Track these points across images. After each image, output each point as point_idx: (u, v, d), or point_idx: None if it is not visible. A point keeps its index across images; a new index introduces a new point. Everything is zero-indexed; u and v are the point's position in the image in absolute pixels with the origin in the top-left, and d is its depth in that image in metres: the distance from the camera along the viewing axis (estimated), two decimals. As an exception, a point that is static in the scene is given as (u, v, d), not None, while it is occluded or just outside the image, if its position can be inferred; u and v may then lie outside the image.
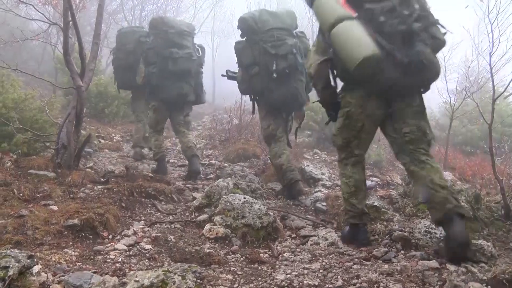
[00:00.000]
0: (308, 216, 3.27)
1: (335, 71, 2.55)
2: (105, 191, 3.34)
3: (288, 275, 2.11)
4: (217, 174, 4.75)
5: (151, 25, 4.63)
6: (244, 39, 3.88)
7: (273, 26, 3.74)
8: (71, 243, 2.42)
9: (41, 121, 4.35)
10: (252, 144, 5.85)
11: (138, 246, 2.47)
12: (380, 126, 2.60)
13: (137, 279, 1.73)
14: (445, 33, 2.43)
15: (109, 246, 2.45)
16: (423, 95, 2.52)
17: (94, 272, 2.02)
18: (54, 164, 3.71)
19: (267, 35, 3.69)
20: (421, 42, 2.27)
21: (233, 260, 2.38)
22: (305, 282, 2.02)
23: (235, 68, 4.19)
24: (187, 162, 5.45)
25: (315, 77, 2.56)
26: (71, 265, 2.12)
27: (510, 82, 3.36)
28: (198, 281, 1.82)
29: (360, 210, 2.58)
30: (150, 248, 2.46)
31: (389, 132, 2.54)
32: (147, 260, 2.28)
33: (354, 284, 1.99)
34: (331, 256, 2.44)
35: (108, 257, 2.30)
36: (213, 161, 5.51)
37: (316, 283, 2.02)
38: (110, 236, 2.62)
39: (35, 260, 1.91)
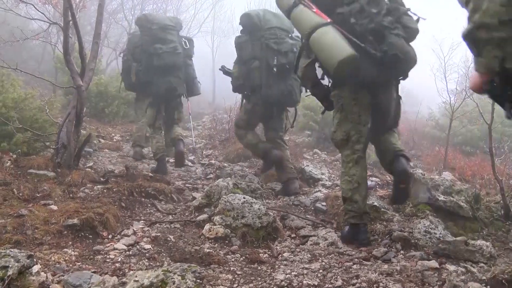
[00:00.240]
0: (308, 216, 3.27)
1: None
2: (105, 190, 3.34)
3: (287, 275, 2.11)
4: (217, 174, 4.74)
5: (137, 23, 4.74)
6: (244, 34, 3.98)
7: (275, 25, 3.87)
8: (70, 242, 2.42)
9: (41, 121, 4.35)
10: (251, 144, 5.83)
11: (137, 246, 2.47)
12: None
13: (136, 279, 1.73)
14: (417, 20, 2.57)
15: (108, 246, 2.45)
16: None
17: (94, 272, 2.02)
18: (54, 163, 3.71)
19: (269, 32, 3.84)
20: (393, 35, 2.40)
21: (233, 260, 2.38)
22: (304, 282, 2.02)
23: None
24: (187, 161, 5.47)
25: (303, 79, 2.83)
26: (71, 265, 2.12)
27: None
28: (198, 281, 1.82)
29: (362, 208, 2.58)
30: (150, 248, 2.46)
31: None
32: (146, 260, 2.28)
33: (353, 284, 1.99)
34: (330, 256, 2.45)
35: (107, 257, 2.30)
36: (213, 161, 5.51)
37: (316, 283, 2.02)
38: (110, 236, 2.62)
39: (35, 259, 1.91)
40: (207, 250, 2.45)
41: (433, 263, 2.21)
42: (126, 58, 5.50)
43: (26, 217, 2.54)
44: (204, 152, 6.22)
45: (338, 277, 2.10)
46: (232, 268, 2.24)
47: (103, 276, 1.96)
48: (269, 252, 2.54)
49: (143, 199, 3.38)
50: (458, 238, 2.48)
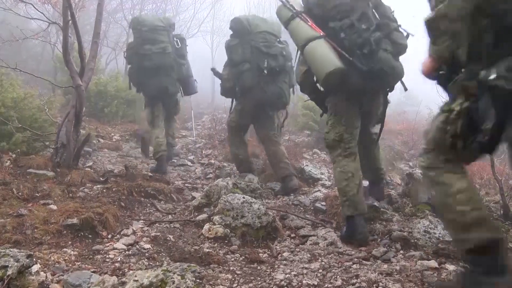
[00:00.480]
0: (307, 216, 3.27)
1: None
2: (104, 190, 3.34)
3: (287, 275, 2.11)
4: (216, 173, 4.75)
5: (130, 26, 4.91)
6: (235, 38, 4.07)
7: (264, 30, 4.01)
8: (70, 242, 2.42)
9: (40, 120, 4.34)
10: (251, 144, 5.83)
11: (137, 246, 2.47)
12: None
13: (136, 278, 1.73)
14: (407, 36, 2.71)
15: (108, 246, 2.44)
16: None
17: (93, 272, 2.02)
18: (53, 163, 3.71)
19: (258, 36, 3.97)
20: (381, 50, 2.54)
21: (232, 259, 2.38)
22: (304, 281, 2.02)
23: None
24: (186, 161, 5.48)
25: (301, 85, 2.95)
26: (70, 265, 2.12)
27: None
28: (197, 280, 1.82)
29: (357, 199, 2.64)
30: (149, 248, 2.46)
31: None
32: (146, 260, 2.28)
33: (353, 284, 1.99)
34: (330, 256, 2.44)
35: (107, 256, 2.30)
36: (212, 161, 5.51)
37: (315, 283, 2.02)
38: (109, 236, 2.62)
39: (34, 259, 1.91)
40: (207, 250, 2.45)
41: (433, 263, 2.21)
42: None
43: (26, 216, 2.54)
44: (203, 152, 6.22)
45: (338, 276, 2.10)
46: (231, 268, 2.24)
47: (103, 275, 1.96)
48: (269, 252, 2.54)
49: (142, 199, 3.38)
50: (458, 238, 2.48)
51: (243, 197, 2.91)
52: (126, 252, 2.38)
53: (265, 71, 3.86)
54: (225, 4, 18.64)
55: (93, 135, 5.55)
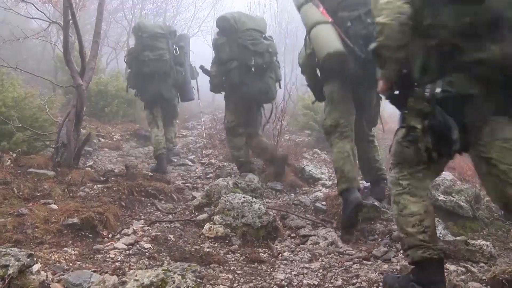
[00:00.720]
0: (308, 216, 3.27)
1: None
2: (105, 190, 3.34)
3: (287, 275, 2.11)
4: (217, 173, 4.74)
5: (132, 32, 5.00)
6: (222, 36, 4.16)
7: (250, 27, 4.09)
8: (70, 242, 2.42)
9: (41, 120, 4.34)
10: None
11: (137, 245, 2.47)
12: None
13: (136, 278, 1.73)
14: None
15: (108, 245, 2.45)
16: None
17: (94, 271, 2.02)
18: (53, 163, 3.71)
19: (245, 34, 4.03)
20: None
21: (233, 259, 2.38)
22: (304, 281, 2.02)
23: None
24: (186, 161, 5.47)
25: (302, 67, 3.07)
26: (71, 264, 2.12)
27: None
28: (198, 280, 1.82)
29: (352, 175, 2.77)
30: (150, 247, 2.46)
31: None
32: (146, 259, 2.28)
33: (353, 284, 2.00)
34: (330, 256, 2.45)
35: (107, 256, 2.30)
36: (212, 160, 5.51)
37: (316, 283, 2.02)
38: (110, 235, 2.62)
39: (35, 259, 1.91)
40: (207, 250, 2.45)
41: (433, 263, 2.20)
42: None
43: (26, 216, 2.54)
44: (204, 152, 6.21)
45: (338, 276, 2.10)
46: (232, 268, 2.24)
47: (103, 275, 1.96)
48: (269, 252, 2.54)
49: (143, 198, 3.38)
50: (458, 238, 2.48)
51: (244, 197, 2.91)
52: (127, 251, 2.39)
53: (253, 69, 3.98)
54: (225, 3, 18.64)
55: (93, 135, 5.55)
